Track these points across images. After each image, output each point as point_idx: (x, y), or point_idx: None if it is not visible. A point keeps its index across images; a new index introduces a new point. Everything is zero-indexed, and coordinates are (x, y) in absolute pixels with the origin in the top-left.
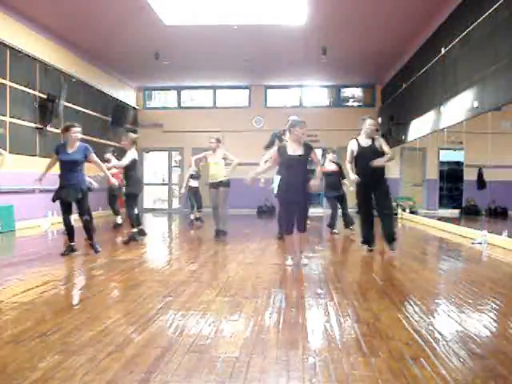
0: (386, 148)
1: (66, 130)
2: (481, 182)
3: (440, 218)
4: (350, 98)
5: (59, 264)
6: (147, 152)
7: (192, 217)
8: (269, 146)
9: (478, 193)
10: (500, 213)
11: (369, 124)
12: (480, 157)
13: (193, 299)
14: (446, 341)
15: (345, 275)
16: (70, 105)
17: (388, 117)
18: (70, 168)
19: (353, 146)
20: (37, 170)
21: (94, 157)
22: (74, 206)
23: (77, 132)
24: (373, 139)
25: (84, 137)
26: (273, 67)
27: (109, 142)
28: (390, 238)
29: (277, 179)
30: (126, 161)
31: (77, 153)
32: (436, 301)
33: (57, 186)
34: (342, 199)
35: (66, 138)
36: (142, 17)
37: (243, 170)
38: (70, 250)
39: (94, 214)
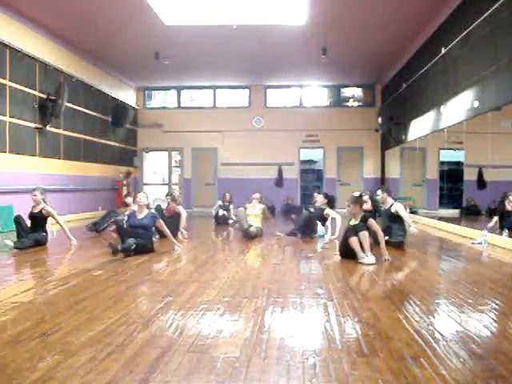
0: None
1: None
2: (481, 182)
3: (440, 218)
4: (350, 97)
5: (59, 264)
6: (147, 152)
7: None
8: None
9: (478, 193)
10: None
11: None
12: (480, 157)
13: (193, 299)
14: (446, 341)
15: (345, 275)
16: (70, 105)
17: (388, 117)
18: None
19: None
20: (37, 170)
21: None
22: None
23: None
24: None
25: (84, 137)
26: (273, 67)
27: (109, 142)
28: None
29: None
30: None
31: (145, 218)
32: (436, 301)
33: (57, 186)
34: None
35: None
36: (142, 17)
37: (243, 170)
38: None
39: (93, 213)
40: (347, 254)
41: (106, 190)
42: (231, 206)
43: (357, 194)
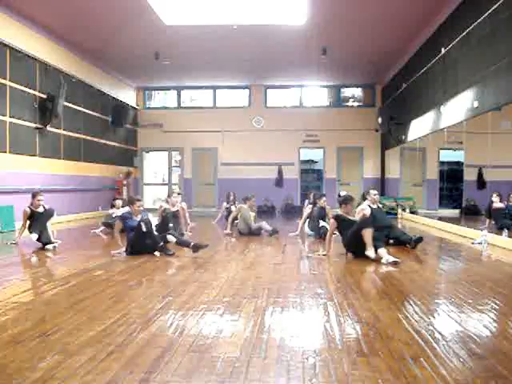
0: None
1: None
2: (481, 182)
3: (440, 218)
4: (350, 98)
5: (59, 264)
6: (147, 152)
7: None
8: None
9: (478, 193)
10: None
11: (374, 194)
12: (480, 157)
13: (193, 299)
14: (446, 341)
15: (345, 275)
16: (70, 105)
17: (388, 117)
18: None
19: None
20: (37, 170)
21: None
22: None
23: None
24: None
25: (84, 137)
26: (273, 67)
27: (109, 142)
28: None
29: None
30: None
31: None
32: (436, 301)
33: (57, 186)
34: None
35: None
36: (142, 17)
37: (243, 170)
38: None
39: (93, 213)
40: (358, 247)
41: (106, 190)
42: (236, 204)
43: (343, 193)
